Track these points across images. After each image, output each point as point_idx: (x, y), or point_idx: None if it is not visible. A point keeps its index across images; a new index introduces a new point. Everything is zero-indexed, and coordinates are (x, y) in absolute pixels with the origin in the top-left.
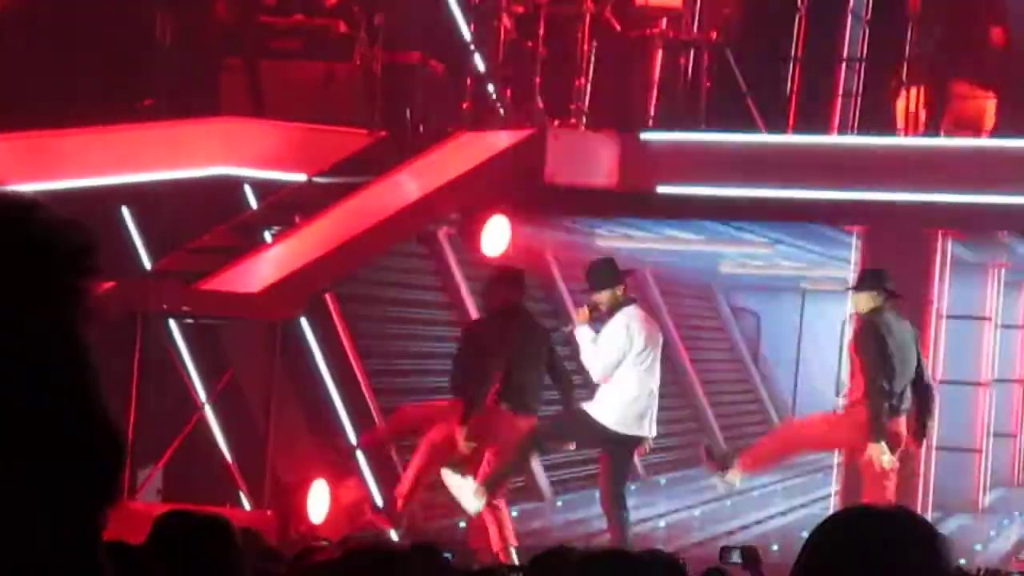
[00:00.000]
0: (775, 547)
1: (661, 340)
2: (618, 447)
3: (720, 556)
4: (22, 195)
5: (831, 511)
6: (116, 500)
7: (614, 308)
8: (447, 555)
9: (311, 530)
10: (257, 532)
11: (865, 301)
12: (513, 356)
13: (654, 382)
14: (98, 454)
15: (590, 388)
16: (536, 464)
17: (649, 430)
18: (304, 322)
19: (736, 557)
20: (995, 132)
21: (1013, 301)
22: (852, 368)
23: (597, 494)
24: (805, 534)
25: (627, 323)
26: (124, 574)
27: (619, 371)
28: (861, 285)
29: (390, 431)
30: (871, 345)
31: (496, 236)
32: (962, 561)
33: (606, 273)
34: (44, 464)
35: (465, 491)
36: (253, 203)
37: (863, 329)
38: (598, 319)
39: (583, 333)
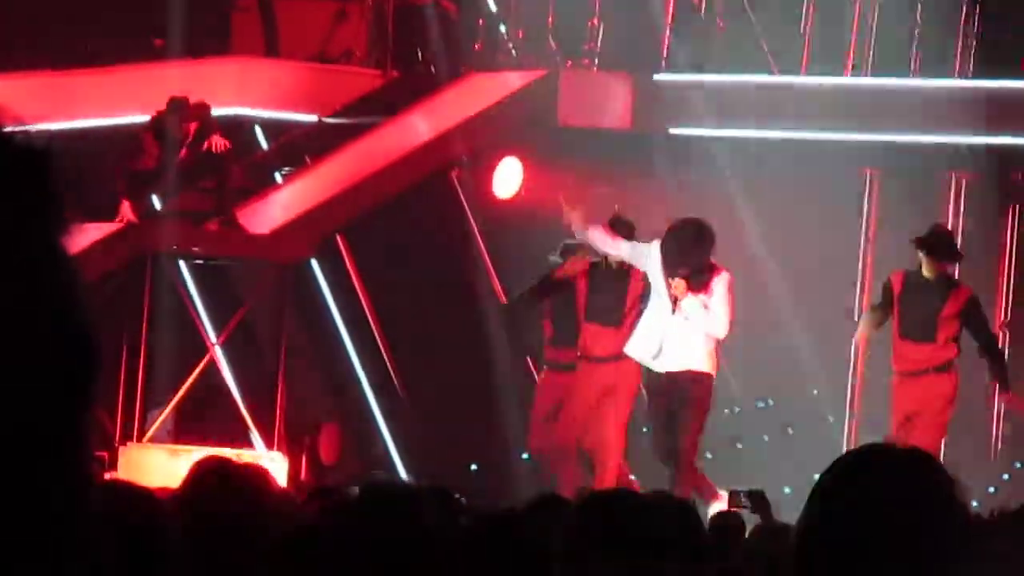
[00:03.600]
0: (787, 489)
1: None
2: None
3: (729, 500)
4: None
5: (843, 452)
6: (92, 405)
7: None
8: (459, 498)
9: (322, 472)
10: (269, 473)
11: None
12: None
13: None
14: (69, 357)
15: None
16: None
17: None
18: (315, 263)
19: (745, 501)
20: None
21: None
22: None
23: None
24: (817, 476)
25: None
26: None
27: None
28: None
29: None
30: None
31: (508, 177)
32: (975, 503)
33: (703, 246)
34: (16, 367)
35: None
36: (264, 143)
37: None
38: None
39: (693, 302)
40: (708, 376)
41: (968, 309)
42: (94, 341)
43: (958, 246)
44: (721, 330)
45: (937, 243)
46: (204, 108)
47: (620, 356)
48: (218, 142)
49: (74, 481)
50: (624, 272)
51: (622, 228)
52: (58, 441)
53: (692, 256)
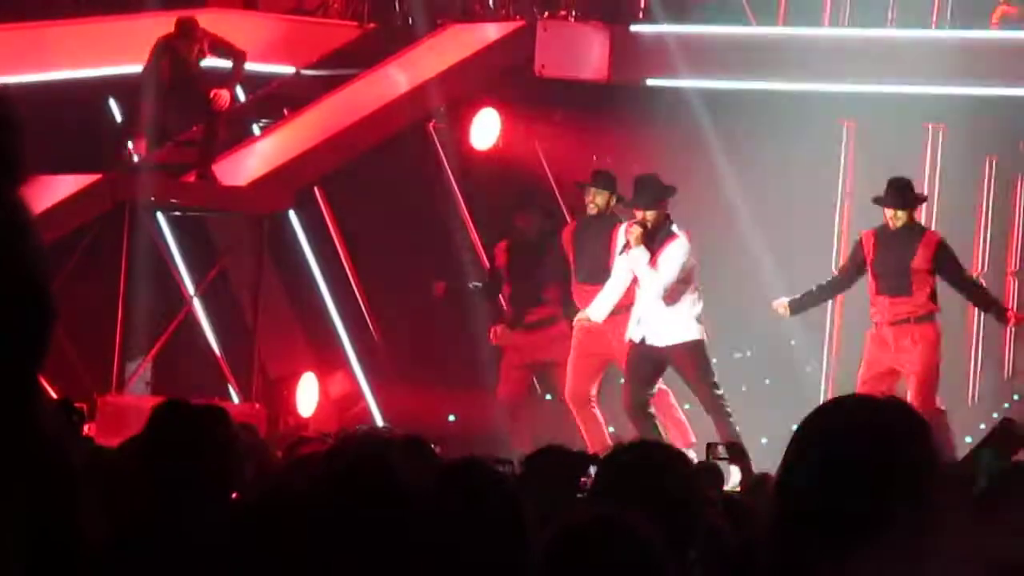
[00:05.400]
0: (764, 440)
1: None
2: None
3: (707, 452)
4: None
5: (820, 403)
6: (45, 353)
7: (662, 226)
8: (434, 447)
9: (300, 423)
10: (252, 426)
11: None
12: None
13: None
14: (20, 306)
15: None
16: None
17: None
18: (293, 215)
19: (722, 452)
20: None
21: (1005, 193)
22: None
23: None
24: (794, 426)
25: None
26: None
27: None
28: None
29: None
30: None
31: (485, 129)
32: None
33: (657, 190)
34: None
35: None
36: (241, 95)
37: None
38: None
39: (640, 254)
40: (699, 342)
41: (939, 255)
42: (45, 292)
43: (914, 191)
44: (661, 289)
45: (894, 193)
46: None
47: (623, 309)
48: (223, 97)
49: (26, 426)
50: (607, 222)
51: (603, 179)
52: (10, 385)
53: (644, 196)
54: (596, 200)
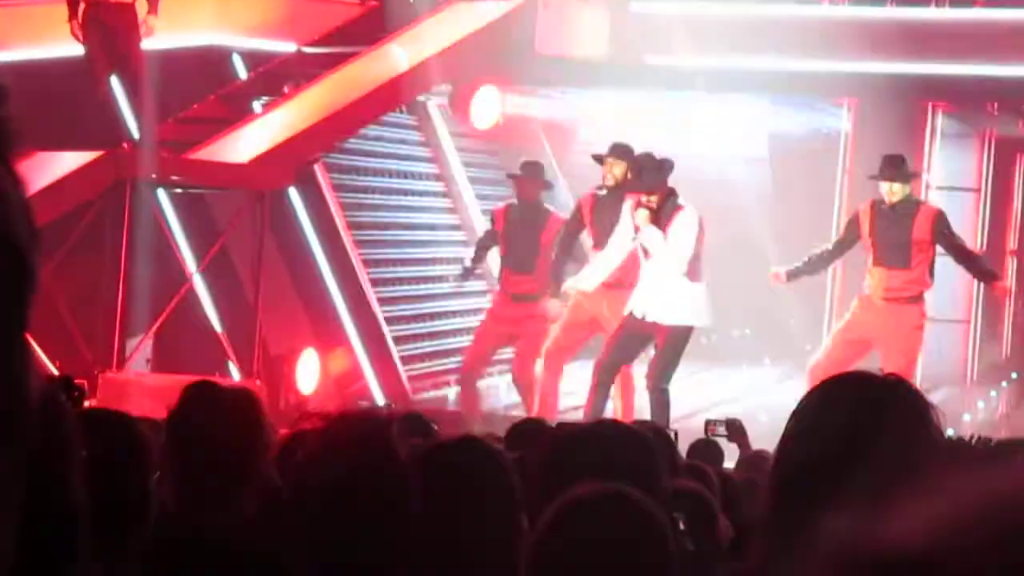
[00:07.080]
0: (764, 417)
1: None
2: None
3: (705, 430)
4: None
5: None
6: (25, 320)
7: (667, 201)
8: (433, 425)
9: (301, 400)
10: (256, 396)
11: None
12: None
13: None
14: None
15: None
16: None
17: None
18: (293, 192)
19: (721, 430)
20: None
21: (1004, 172)
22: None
23: (591, 365)
24: (794, 404)
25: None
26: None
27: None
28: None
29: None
30: None
31: (486, 106)
32: (950, 431)
33: (655, 168)
34: None
35: None
36: (243, 73)
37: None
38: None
39: (652, 233)
40: (693, 329)
41: (938, 226)
42: (28, 257)
43: (908, 166)
44: (676, 262)
45: (889, 168)
46: None
47: (618, 285)
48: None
49: (7, 390)
50: (620, 198)
51: (620, 150)
52: None
53: (644, 178)
54: (613, 171)
